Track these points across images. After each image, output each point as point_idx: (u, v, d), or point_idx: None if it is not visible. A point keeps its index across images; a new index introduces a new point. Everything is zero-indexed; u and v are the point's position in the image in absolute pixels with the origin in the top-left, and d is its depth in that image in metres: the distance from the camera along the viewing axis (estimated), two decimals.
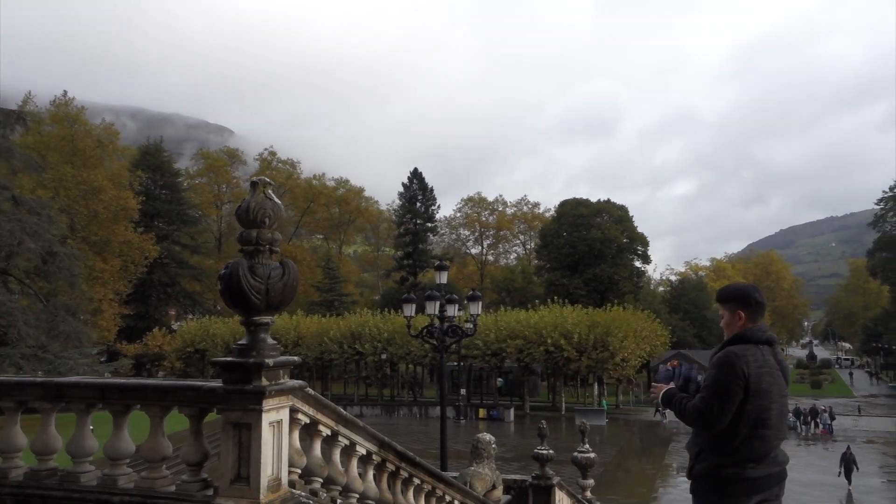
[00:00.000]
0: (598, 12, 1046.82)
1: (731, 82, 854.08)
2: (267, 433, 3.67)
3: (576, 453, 15.94)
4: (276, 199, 3.92)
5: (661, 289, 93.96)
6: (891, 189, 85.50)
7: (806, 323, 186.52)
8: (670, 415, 47.75)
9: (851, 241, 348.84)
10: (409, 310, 17.06)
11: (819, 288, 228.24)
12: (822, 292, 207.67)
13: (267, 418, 3.68)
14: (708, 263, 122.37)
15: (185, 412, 4.12)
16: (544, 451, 12.60)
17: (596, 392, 53.45)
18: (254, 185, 3.90)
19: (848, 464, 23.67)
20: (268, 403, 3.67)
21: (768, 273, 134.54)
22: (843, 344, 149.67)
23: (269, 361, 3.70)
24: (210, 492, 3.91)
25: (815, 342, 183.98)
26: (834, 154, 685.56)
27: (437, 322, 16.46)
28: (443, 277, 16.48)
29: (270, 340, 3.82)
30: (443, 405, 18.32)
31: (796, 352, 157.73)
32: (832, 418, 41.26)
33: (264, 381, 3.67)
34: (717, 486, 3.49)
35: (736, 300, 3.72)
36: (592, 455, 15.74)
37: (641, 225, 75.17)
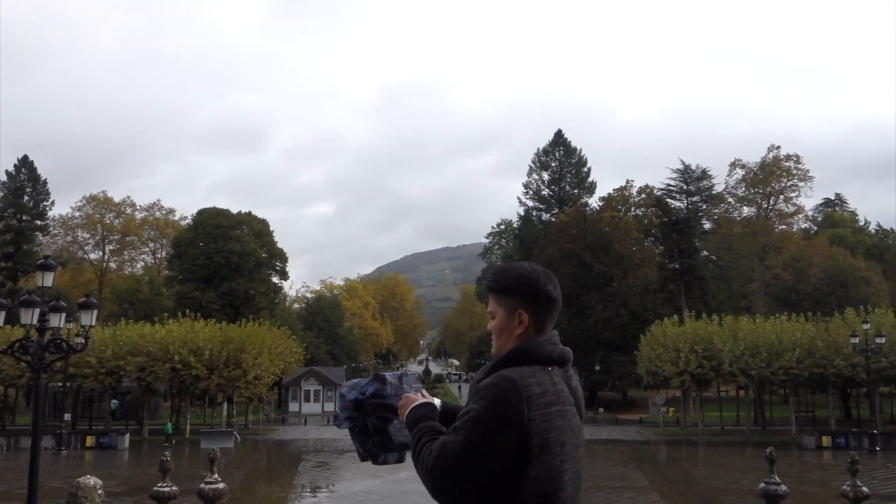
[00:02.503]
0: (264, 28, 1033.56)
1: (375, 115, 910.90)
2: None
3: (203, 485, 14.17)
4: None
5: (296, 306, 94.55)
6: (497, 226, 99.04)
7: (422, 341, 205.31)
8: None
9: (462, 269, 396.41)
10: None
11: (434, 310, 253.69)
12: (436, 314, 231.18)
13: None
14: (342, 283, 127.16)
15: None
16: (166, 489, 10.75)
17: (225, 412, 50.82)
18: None
19: None
20: None
21: (394, 294, 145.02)
22: (453, 360, 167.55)
23: None
24: None
25: (430, 358, 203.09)
26: (454, 191, 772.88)
27: (35, 334, 13.26)
28: (47, 280, 13.33)
29: None
30: (35, 435, 14.86)
31: (414, 367, 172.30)
32: None
33: None
34: None
35: (517, 292, 2.31)
36: (221, 486, 14.14)
37: (281, 241, 74.72)
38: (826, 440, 40.26)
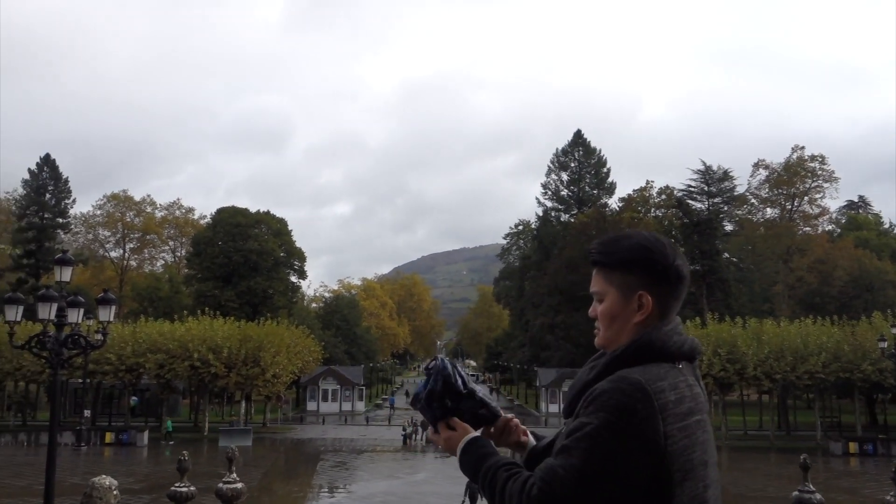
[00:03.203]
0: (285, 30, 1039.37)
1: (395, 115, 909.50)
2: None
3: (221, 484, 13.93)
4: None
5: (313, 305, 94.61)
6: (515, 227, 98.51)
7: (439, 342, 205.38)
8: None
9: (479, 270, 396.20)
10: (13, 313, 13.28)
11: (451, 311, 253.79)
12: (453, 314, 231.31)
13: None
14: (359, 282, 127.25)
15: None
16: (184, 489, 10.52)
17: (243, 410, 50.80)
18: None
19: (472, 493, 23.93)
20: None
21: (412, 294, 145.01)
22: (470, 361, 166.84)
23: None
24: None
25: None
26: (472, 192, 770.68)
27: (52, 329, 13.09)
28: (65, 274, 13.14)
29: None
30: (53, 430, 14.74)
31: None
32: None
33: None
34: None
35: (639, 267, 1.79)
36: (240, 486, 13.88)
37: (300, 241, 74.84)
38: (853, 447, 39.41)
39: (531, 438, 2.04)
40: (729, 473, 33.82)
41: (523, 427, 2.05)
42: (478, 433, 1.90)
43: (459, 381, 1.93)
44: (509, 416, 2.02)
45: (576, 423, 1.64)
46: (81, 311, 14.03)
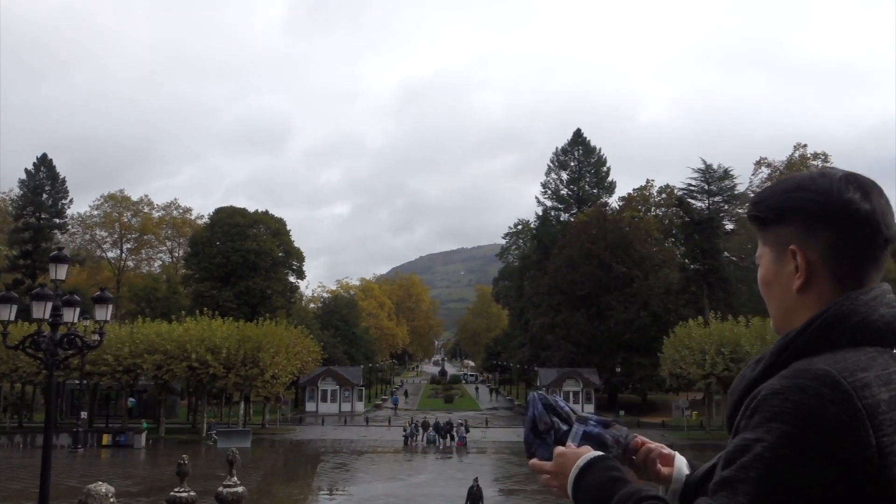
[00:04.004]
0: (286, 31, 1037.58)
1: (395, 116, 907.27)
2: None
3: (221, 488, 13.57)
4: None
5: (312, 305, 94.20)
6: (514, 226, 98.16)
7: (437, 342, 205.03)
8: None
9: (478, 271, 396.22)
10: (7, 312, 12.89)
11: (449, 311, 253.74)
12: (451, 315, 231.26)
13: None
14: (358, 283, 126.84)
15: None
16: (183, 494, 10.15)
17: (241, 411, 50.38)
18: None
19: (475, 499, 23.45)
20: None
21: (410, 294, 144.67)
22: (468, 361, 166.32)
23: None
24: None
25: (445, 359, 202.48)
26: (471, 192, 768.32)
27: (47, 329, 12.68)
28: (60, 272, 12.73)
29: None
30: (48, 432, 14.31)
31: (429, 368, 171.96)
32: (467, 431, 44.34)
33: None
34: None
35: (790, 212, 1.25)
36: (240, 489, 13.53)
37: (298, 241, 74.42)
38: None
39: (680, 466, 1.49)
40: None
41: (667, 450, 1.51)
42: (600, 452, 1.37)
43: (562, 408, 1.53)
44: (641, 439, 1.51)
45: (737, 442, 1.13)
46: (77, 310, 13.63)
